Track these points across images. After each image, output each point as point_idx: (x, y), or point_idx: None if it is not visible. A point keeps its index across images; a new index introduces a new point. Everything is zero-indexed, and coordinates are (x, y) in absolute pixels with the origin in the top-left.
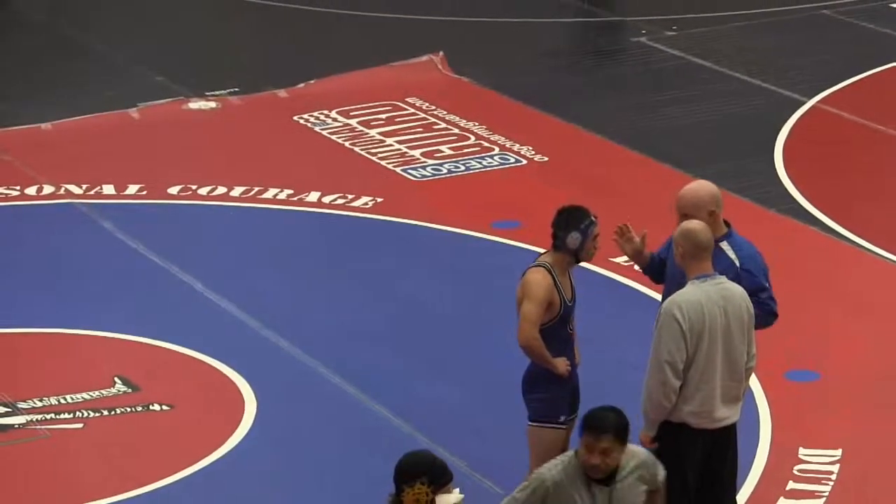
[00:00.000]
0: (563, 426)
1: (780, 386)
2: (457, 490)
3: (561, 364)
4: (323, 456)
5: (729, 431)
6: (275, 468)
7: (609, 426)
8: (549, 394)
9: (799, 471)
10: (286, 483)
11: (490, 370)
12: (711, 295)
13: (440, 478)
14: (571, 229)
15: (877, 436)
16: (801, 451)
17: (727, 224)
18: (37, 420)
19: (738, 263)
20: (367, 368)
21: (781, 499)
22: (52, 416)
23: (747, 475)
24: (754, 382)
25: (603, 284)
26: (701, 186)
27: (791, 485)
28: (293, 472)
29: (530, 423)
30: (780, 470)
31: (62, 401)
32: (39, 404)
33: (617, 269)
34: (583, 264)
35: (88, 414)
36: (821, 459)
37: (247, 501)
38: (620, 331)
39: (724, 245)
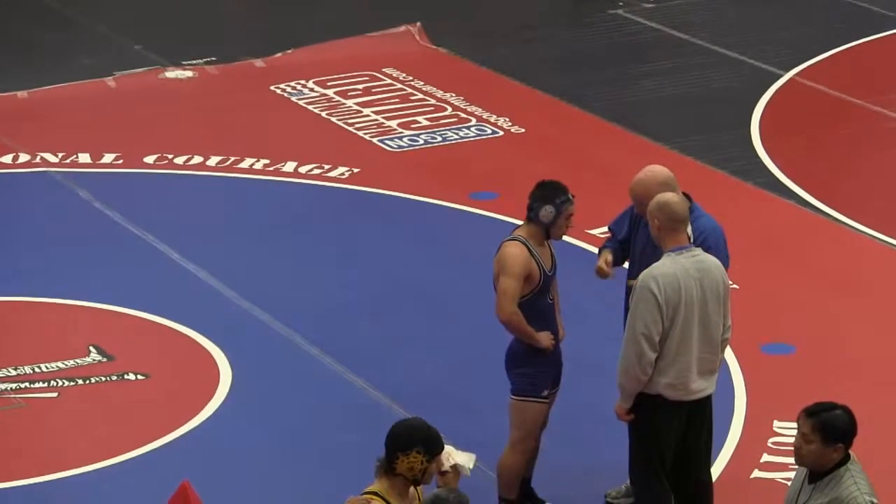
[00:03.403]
0: (546, 400)
1: (756, 359)
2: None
3: (545, 338)
4: (297, 427)
5: (704, 403)
6: (249, 439)
7: (816, 414)
8: (534, 369)
9: (773, 443)
10: (260, 454)
11: (468, 342)
12: (687, 267)
13: (434, 446)
14: (546, 203)
15: (851, 409)
16: (776, 423)
17: (689, 198)
18: (11, 389)
19: (692, 237)
20: (343, 338)
21: (756, 471)
22: (27, 384)
23: (722, 447)
24: (730, 355)
25: (579, 256)
26: (652, 175)
27: (765, 457)
28: (267, 443)
29: (513, 396)
30: (755, 442)
31: (37, 370)
32: (14, 373)
33: (593, 240)
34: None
35: (63, 383)
36: (795, 432)
37: (220, 472)
38: (597, 303)
39: None
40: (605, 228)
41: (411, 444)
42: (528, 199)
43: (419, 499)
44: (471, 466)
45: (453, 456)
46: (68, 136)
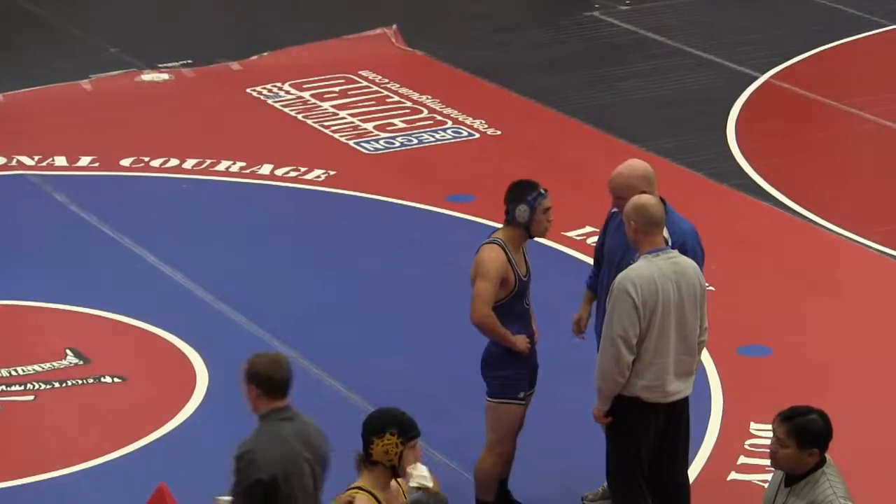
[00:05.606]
0: (522, 402)
1: (732, 361)
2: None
3: (521, 341)
4: None
5: (681, 405)
6: (226, 441)
7: (791, 419)
8: (510, 371)
9: (750, 445)
10: None
11: (444, 345)
12: (664, 269)
13: (409, 431)
14: (520, 202)
15: (827, 411)
16: (753, 425)
17: (663, 200)
18: None
19: (668, 240)
20: (320, 342)
21: (732, 473)
22: (3, 388)
23: (699, 449)
24: (706, 357)
25: (555, 258)
26: (631, 169)
27: (742, 459)
28: None
29: (489, 399)
30: (732, 444)
31: (13, 373)
32: None
33: (570, 242)
34: (537, 239)
35: (40, 386)
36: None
37: (197, 475)
38: (572, 305)
39: None
40: (582, 230)
41: (385, 427)
42: (504, 203)
43: (403, 494)
44: (414, 485)
45: (417, 468)
46: (44, 138)
